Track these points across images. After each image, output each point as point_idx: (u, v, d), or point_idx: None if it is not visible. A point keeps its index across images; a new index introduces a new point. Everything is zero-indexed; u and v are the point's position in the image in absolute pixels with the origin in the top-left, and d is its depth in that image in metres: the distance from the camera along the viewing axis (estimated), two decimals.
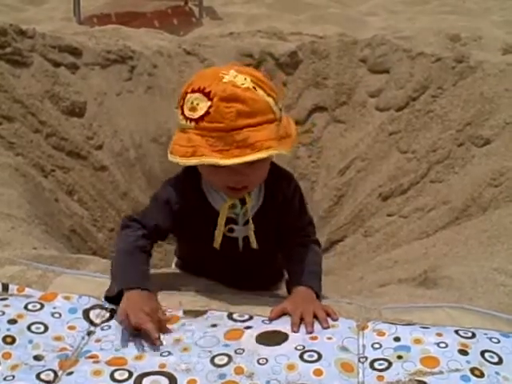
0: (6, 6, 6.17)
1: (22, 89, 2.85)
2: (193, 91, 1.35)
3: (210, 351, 1.28)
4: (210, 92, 1.32)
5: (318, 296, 1.50)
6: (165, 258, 2.98)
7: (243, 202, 1.53)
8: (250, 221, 1.55)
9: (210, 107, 1.31)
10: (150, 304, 1.38)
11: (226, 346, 1.30)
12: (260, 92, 1.35)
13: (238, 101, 1.31)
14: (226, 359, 1.26)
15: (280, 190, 1.58)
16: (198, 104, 1.33)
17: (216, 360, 1.26)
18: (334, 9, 6.30)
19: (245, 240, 1.60)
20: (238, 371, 1.22)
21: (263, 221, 1.59)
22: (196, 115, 1.33)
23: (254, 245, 1.57)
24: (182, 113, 1.37)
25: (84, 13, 6.03)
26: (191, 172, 1.54)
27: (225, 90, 1.31)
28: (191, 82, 1.39)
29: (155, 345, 1.30)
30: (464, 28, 4.94)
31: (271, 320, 1.39)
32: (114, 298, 1.43)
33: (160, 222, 1.53)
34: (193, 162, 1.35)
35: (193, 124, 1.34)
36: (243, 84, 1.34)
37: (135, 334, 1.33)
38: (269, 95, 1.37)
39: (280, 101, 1.42)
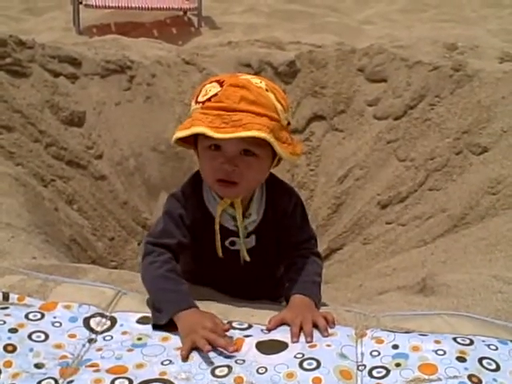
0: (5, 16, 6.21)
1: (22, 99, 2.86)
2: (210, 82, 1.44)
3: (211, 362, 1.28)
4: (223, 81, 1.41)
5: (317, 305, 1.51)
6: None
7: (243, 215, 1.55)
8: (241, 235, 1.57)
9: (219, 91, 1.39)
10: (208, 319, 1.37)
11: (228, 356, 1.30)
12: (270, 95, 1.41)
13: (246, 88, 1.38)
14: (226, 370, 1.26)
15: (280, 205, 1.60)
16: (210, 90, 1.41)
17: (216, 371, 1.25)
18: (332, 18, 6.34)
19: (247, 253, 1.61)
20: (238, 381, 1.23)
21: (264, 234, 1.60)
22: (205, 97, 1.41)
23: (247, 258, 1.60)
24: (196, 99, 1.44)
25: (83, 23, 6.06)
26: (194, 182, 1.56)
27: (237, 80, 1.40)
28: (211, 78, 1.48)
29: (231, 352, 1.29)
30: (461, 36, 4.98)
31: (270, 330, 1.40)
32: (163, 325, 1.40)
33: (181, 237, 1.53)
34: (186, 132, 1.38)
35: (200, 105, 1.42)
36: (257, 83, 1.42)
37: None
38: (278, 101, 1.42)
39: (289, 113, 1.46)
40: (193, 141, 1.51)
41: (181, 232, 1.53)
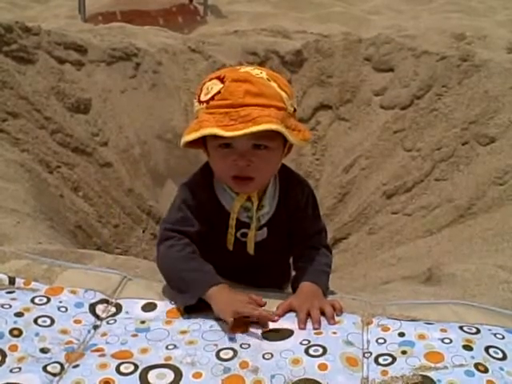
0: (11, 3, 6.18)
1: (28, 85, 2.86)
2: (210, 80, 1.41)
3: (215, 345, 1.29)
4: (224, 77, 1.38)
5: (325, 293, 1.50)
6: None
7: (257, 206, 1.54)
8: (253, 227, 1.55)
9: (221, 88, 1.36)
10: (243, 294, 1.41)
11: (232, 339, 1.30)
12: (273, 84, 1.39)
13: (248, 82, 1.35)
14: (231, 353, 1.26)
15: (293, 197, 1.59)
16: (212, 88, 1.38)
17: (221, 354, 1.26)
18: (339, 7, 6.29)
19: (257, 244, 1.60)
20: (243, 365, 1.23)
21: (276, 226, 1.60)
22: (208, 96, 1.38)
23: (251, 252, 1.58)
24: (198, 99, 1.42)
25: (89, 11, 6.03)
26: (205, 173, 1.55)
27: (237, 74, 1.38)
28: (211, 75, 1.45)
29: (275, 321, 1.34)
30: (468, 27, 4.94)
31: (278, 316, 1.39)
32: (193, 305, 1.40)
33: (199, 226, 1.52)
34: (195, 135, 1.35)
35: (204, 105, 1.39)
36: (257, 74, 1.39)
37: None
38: (282, 89, 1.40)
39: (294, 99, 1.45)
40: (201, 141, 1.47)
41: (198, 221, 1.51)
